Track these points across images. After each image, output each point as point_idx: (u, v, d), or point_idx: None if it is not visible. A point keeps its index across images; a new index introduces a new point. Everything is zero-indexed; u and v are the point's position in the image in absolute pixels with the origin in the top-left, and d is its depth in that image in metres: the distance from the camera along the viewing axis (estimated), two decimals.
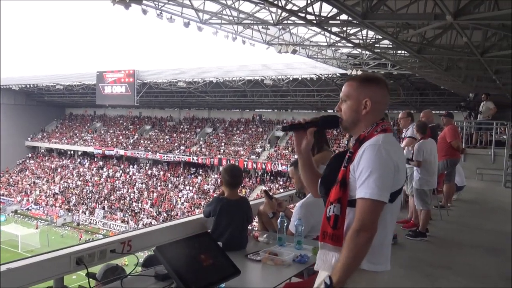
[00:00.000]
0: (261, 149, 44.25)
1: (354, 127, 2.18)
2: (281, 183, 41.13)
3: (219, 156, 44.76)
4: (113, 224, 43.12)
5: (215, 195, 4.18)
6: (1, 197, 53.08)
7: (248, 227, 3.88)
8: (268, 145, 44.65)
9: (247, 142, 46.54)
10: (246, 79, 39.04)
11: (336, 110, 2.23)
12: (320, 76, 34.20)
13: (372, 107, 2.13)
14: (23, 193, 53.04)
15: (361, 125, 2.15)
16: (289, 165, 4.28)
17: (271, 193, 4.35)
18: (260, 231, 4.09)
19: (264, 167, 41.18)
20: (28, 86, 54.56)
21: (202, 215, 4.01)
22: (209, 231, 3.62)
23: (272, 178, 42.70)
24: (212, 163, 45.05)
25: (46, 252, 2.86)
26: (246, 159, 42.31)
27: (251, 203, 4.03)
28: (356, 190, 2.01)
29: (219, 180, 45.60)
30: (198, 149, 47.68)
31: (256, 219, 4.32)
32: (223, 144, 47.58)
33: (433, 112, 9.05)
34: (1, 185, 56.31)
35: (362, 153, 2.02)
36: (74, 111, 66.85)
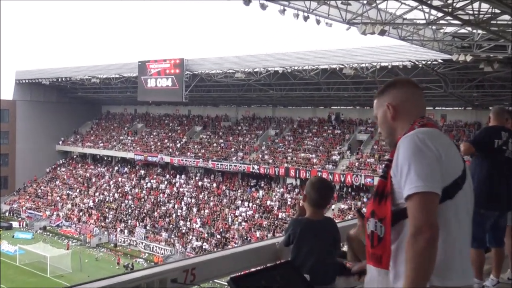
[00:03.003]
0: (339, 157, 43.82)
1: (392, 137, 2.40)
2: (365, 200, 40.46)
3: (285, 165, 44.84)
4: (156, 246, 44.48)
5: (293, 217, 4.23)
6: (28, 211, 56.44)
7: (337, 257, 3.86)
8: (348, 151, 44.13)
9: (321, 147, 46.29)
10: (320, 68, 38.83)
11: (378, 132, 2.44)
12: (417, 63, 33.34)
13: (397, 109, 2.39)
14: (53, 207, 56.06)
15: (398, 132, 2.37)
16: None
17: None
18: (351, 262, 4.05)
19: (343, 179, 40.75)
20: (60, 80, 57.68)
21: (274, 240, 4.05)
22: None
23: (353, 193, 42.14)
24: (277, 173, 45.23)
25: (96, 279, 2.99)
26: (319, 169, 42.06)
27: (338, 225, 4.02)
28: (402, 197, 2.14)
29: (301, 196, 45.32)
30: (260, 156, 48.06)
31: (346, 246, 4.30)
32: (290, 150, 47.64)
33: None
34: (29, 197, 59.92)
35: (397, 151, 2.20)
36: (111, 109, 69.80)
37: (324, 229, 3.80)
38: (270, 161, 46.70)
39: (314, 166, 43.25)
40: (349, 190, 42.54)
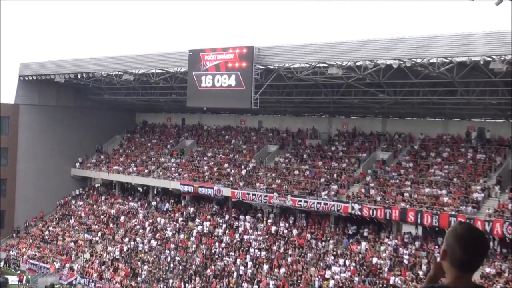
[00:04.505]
0: (482, 194, 42.61)
1: None
2: None
3: (401, 204, 44.11)
4: None
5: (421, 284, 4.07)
6: (31, 261, 58.15)
7: None
8: (498, 187, 42.85)
9: (455, 179, 45.24)
10: (455, 61, 38.14)
11: None
12: None
13: None
14: (65, 256, 57.62)
15: None
16: None
17: None
18: None
19: (488, 228, 39.48)
20: (79, 76, 59.21)
21: None
22: None
23: (504, 251, 40.79)
24: (388, 217, 44.54)
25: None
26: (453, 212, 41.02)
27: None
28: None
29: (423, 253, 44.32)
30: (363, 190, 47.60)
31: None
32: (409, 182, 46.89)
33: None
34: (32, 241, 61.79)
35: None
36: (149, 118, 71.43)
37: None
38: (378, 198, 46.13)
39: (445, 208, 42.26)
40: (498, 245, 41.18)
